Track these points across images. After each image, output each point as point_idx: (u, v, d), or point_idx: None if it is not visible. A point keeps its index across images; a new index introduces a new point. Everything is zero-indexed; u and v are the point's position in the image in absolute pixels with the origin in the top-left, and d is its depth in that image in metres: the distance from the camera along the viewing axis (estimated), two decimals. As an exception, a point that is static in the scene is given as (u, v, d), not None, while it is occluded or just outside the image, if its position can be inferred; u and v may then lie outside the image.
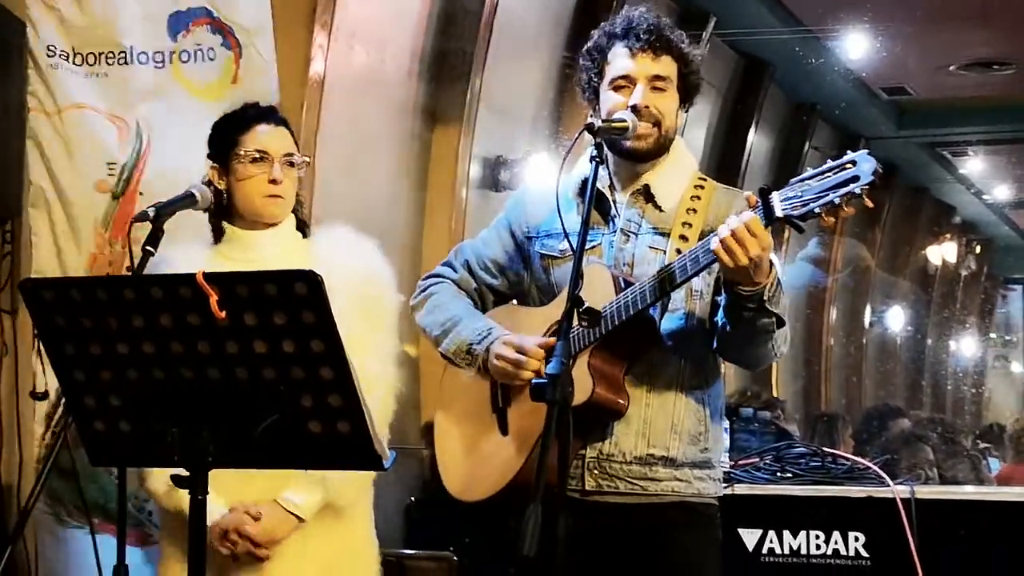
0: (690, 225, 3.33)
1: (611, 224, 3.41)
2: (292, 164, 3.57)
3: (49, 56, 4.83)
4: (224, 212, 3.59)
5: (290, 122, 3.71)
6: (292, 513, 3.49)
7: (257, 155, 3.52)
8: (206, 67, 4.76)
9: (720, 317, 3.25)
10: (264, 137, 3.55)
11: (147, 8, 4.80)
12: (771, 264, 3.11)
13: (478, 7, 7.04)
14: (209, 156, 3.62)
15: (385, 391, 3.54)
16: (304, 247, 3.60)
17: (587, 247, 3.30)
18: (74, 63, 4.84)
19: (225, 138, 3.58)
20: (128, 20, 4.81)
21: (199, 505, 2.68)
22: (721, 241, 3.02)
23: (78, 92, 4.84)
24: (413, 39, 6.92)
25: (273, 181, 3.51)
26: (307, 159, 3.69)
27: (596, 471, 3.35)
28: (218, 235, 3.62)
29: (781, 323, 3.21)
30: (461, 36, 7.08)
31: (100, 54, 4.83)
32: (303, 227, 3.67)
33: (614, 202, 3.42)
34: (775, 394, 10.32)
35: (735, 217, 3.05)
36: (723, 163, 10.52)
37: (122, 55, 4.81)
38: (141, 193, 4.77)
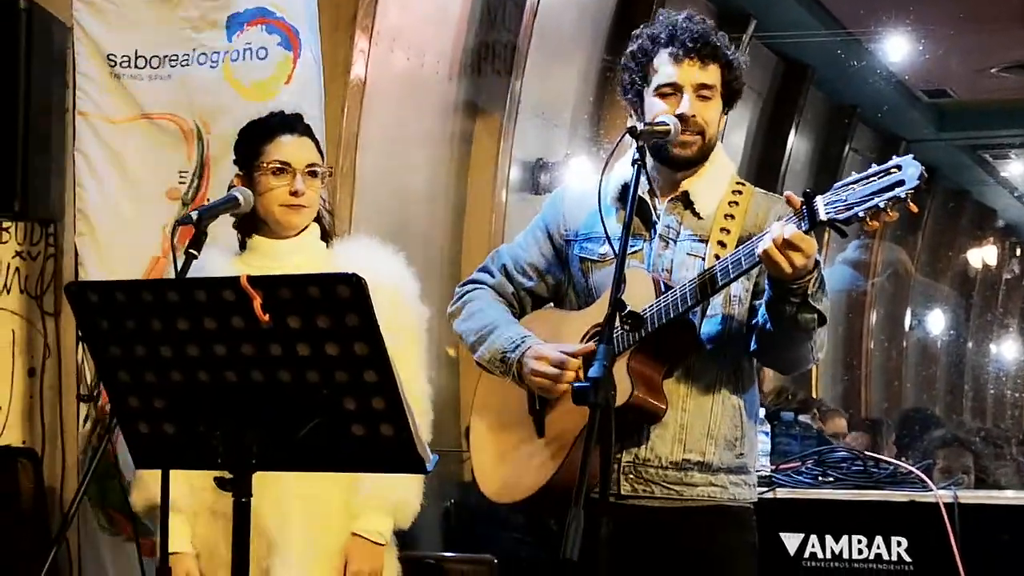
0: (728, 231, 3.32)
1: (652, 230, 3.40)
2: (314, 175, 3.56)
3: (111, 64, 4.82)
4: (248, 222, 3.59)
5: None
6: (375, 542, 3.54)
7: (279, 166, 3.52)
8: (255, 66, 4.71)
9: (761, 316, 3.24)
10: (287, 148, 3.55)
11: (203, 10, 4.77)
12: (816, 262, 3.10)
13: (518, 11, 7.06)
14: (235, 163, 3.63)
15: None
16: (327, 257, 3.60)
17: (628, 252, 3.30)
18: (136, 66, 4.83)
19: (249, 147, 3.59)
20: (183, 22, 4.78)
21: (243, 508, 2.69)
22: (764, 252, 3.02)
23: (146, 100, 4.83)
24: (453, 43, 6.94)
25: (294, 193, 3.51)
26: (330, 168, 3.68)
27: (631, 476, 3.34)
28: (243, 245, 3.63)
29: (823, 320, 3.20)
30: (501, 40, 7.10)
31: (164, 56, 4.80)
32: (327, 237, 3.66)
33: (654, 208, 3.41)
34: (815, 396, 10.29)
35: (778, 224, 3.04)
36: (763, 166, 10.50)
37: (185, 57, 4.78)
38: (208, 200, 4.74)
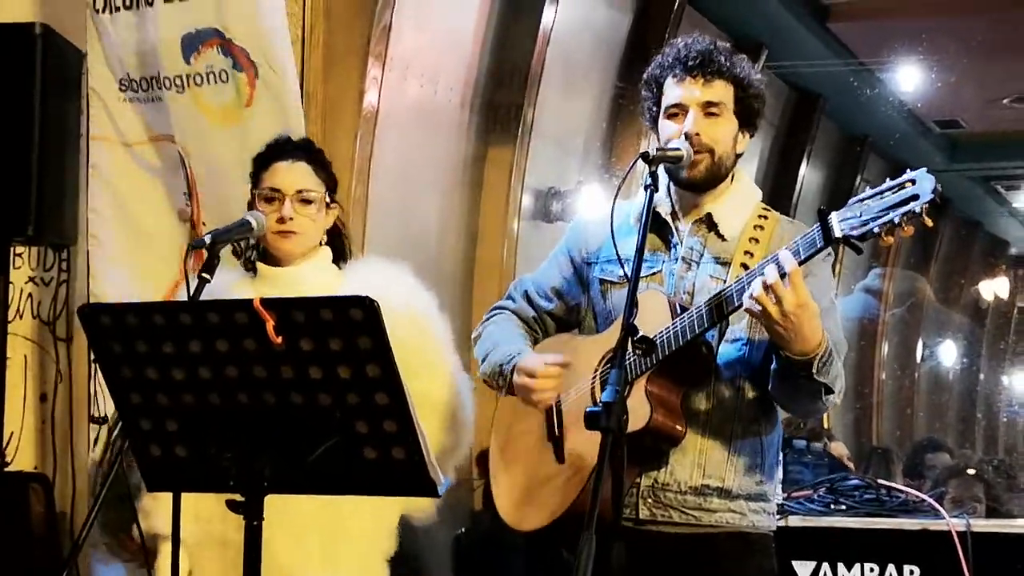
0: (752, 255, 3.31)
1: (672, 251, 3.40)
2: (307, 201, 3.50)
3: (122, 90, 4.81)
4: (259, 249, 3.59)
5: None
6: None
7: (269, 193, 3.49)
8: (219, 90, 4.60)
9: (773, 365, 3.23)
10: (278, 175, 3.51)
11: (164, 30, 4.67)
12: (823, 333, 3.08)
13: (531, 39, 7.07)
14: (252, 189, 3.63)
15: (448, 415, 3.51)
16: (337, 281, 3.55)
17: (648, 274, 3.32)
18: (132, 89, 4.81)
19: (254, 174, 3.57)
20: (151, 43, 4.70)
21: (254, 531, 2.69)
22: (751, 298, 3.01)
23: (148, 121, 4.80)
24: (466, 71, 6.96)
25: (280, 219, 3.46)
26: (326, 194, 3.64)
27: (650, 500, 3.33)
28: (253, 269, 3.61)
29: (831, 390, 3.19)
30: (513, 68, 7.11)
31: (151, 78, 4.73)
32: (340, 259, 3.62)
33: (676, 229, 3.41)
34: (826, 426, 10.24)
35: (773, 266, 3.02)
36: (775, 196, 10.47)
37: (160, 80, 4.70)
38: (204, 223, 4.72)
